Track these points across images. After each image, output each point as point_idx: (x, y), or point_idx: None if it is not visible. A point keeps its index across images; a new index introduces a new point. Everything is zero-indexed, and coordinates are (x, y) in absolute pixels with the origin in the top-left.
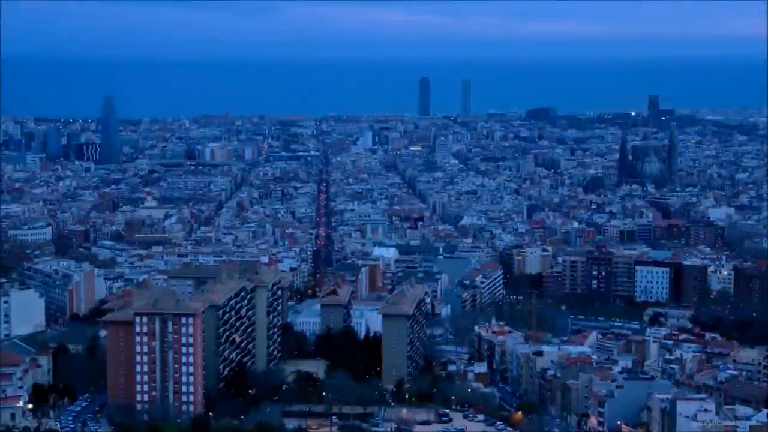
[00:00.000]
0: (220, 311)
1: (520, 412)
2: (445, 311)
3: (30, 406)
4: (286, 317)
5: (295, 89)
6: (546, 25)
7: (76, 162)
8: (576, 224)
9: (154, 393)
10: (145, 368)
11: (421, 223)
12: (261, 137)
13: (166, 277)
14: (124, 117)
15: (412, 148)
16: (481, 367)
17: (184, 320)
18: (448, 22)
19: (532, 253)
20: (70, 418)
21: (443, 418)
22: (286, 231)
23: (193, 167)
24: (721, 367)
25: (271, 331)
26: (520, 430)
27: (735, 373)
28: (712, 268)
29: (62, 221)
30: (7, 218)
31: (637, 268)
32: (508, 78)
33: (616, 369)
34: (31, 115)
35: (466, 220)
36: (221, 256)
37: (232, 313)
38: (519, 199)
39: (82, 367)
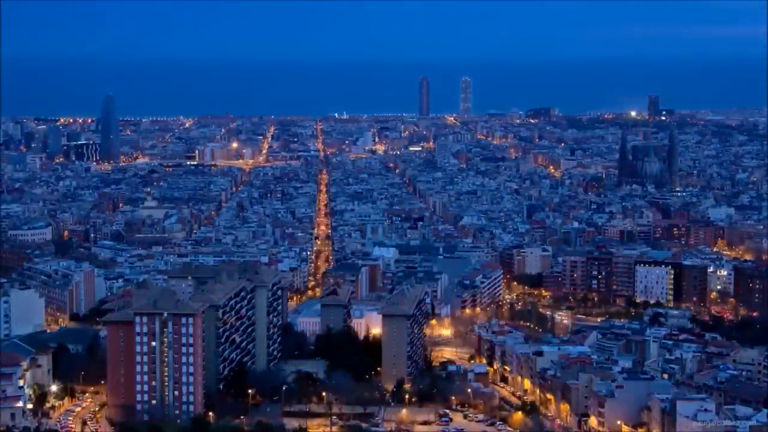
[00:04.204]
0: (220, 311)
1: (520, 412)
2: (445, 311)
3: (30, 406)
4: (286, 317)
5: (295, 89)
6: (546, 24)
7: (76, 162)
8: (576, 224)
9: (154, 393)
10: (145, 368)
11: (421, 223)
12: (261, 137)
13: (166, 277)
14: (124, 117)
15: (412, 148)
16: (481, 367)
17: (184, 320)
18: (448, 22)
19: (532, 253)
20: (70, 418)
21: (443, 418)
22: (286, 231)
23: (193, 167)
24: (721, 367)
25: (271, 331)
26: (520, 430)
27: (735, 373)
28: (712, 268)
29: (62, 221)
30: (7, 218)
31: (637, 268)
32: (508, 78)
33: (616, 369)
34: (31, 115)
35: (466, 220)
36: (221, 256)
37: (232, 313)
38: (519, 199)
39: (82, 367)
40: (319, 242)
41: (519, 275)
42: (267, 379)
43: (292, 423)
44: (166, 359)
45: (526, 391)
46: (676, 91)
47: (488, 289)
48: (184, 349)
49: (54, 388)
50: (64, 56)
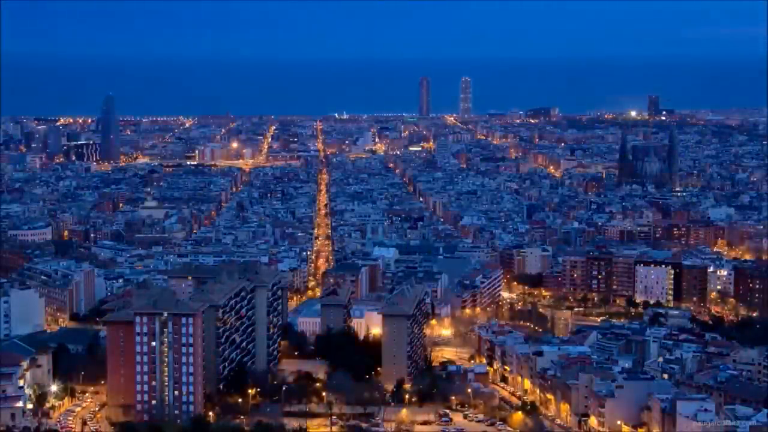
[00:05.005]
0: (220, 311)
1: (520, 412)
2: (445, 311)
3: (30, 406)
4: (286, 317)
5: (295, 89)
6: (546, 24)
7: (76, 162)
8: (576, 224)
9: (154, 393)
10: (145, 368)
11: (421, 223)
12: (261, 137)
13: (166, 277)
14: (124, 117)
15: (412, 148)
16: (481, 367)
17: (184, 320)
18: (448, 22)
19: (532, 253)
20: (70, 418)
21: (443, 418)
22: (286, 231)
23: (193, 167)
24: (721, 367)
25: (271, 331)
26: (520, 430)
27: (735, 373)
28: (712, 268)
29: (62, 221)
30: (7, 218)
31: (637, 268)
32: (508, 78)
33: (616, 369)
34: (31, 115)
35: (466, 220)
36: (221, 256)
37: (232, 313)
38: (519, 199)
39: (82, 367)
40: (319, 242)
41: (519, 275)
42: (267, 379)
43: (292, 423)
44: (166, 359)
45: (526, 391)
46: (676, 91)
47: (488, 289)
48: (184, 349)
49: (54, 388)
50: (64, 56)
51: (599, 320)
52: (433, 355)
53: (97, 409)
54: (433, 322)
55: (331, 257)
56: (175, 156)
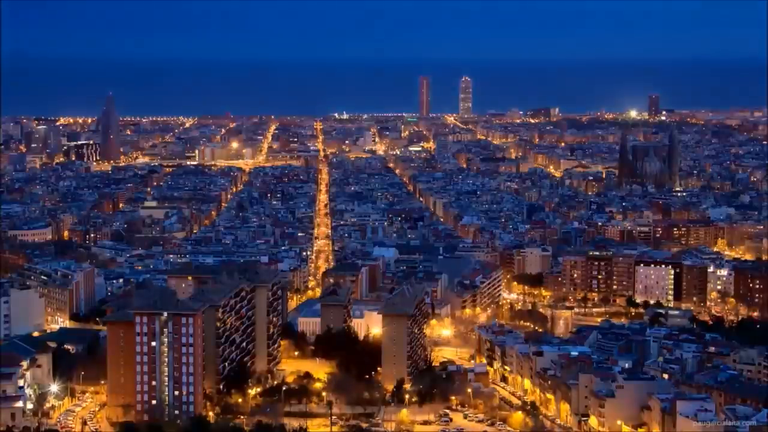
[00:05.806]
0: (220, 311)
1: (520, 412)
2: (445, 311)
3: (30, 406)
4: (286, 317)
5: (295, 89)
6: (546, 25)
7: (76, 162)
8: (576, 224)
9: (154, 393)
10: (145, 368)
11: (421, 223)
12: (261, 137)
13: (166, 277)
14: (124, 117)
15: (412, 148)
16: (481, 367)
17: (184, 320)
18: (449, 22)
19: (532, 253)
20: (70, 418)
21: (443, 418)
22: (286, 231)
23: (193, 167)
24: (721, 367)
25: (271, 331)
26: (520, 430)
27: (735, 373)
28: (712, 268)
29: (62, 221)
30: (7, 218)
31: (637, 268)
32: (508, 78)
33: (616, 369)
34: (31, 115)
35: (466, 220)
36: (221, 256)
37: (232, 313)
38: (519, 199)
39: (82, 367)
40: (319, 242)
41: (519, 275)
42: (267, 379)
43: (292, 423)
44: (166, 359)
45: (526, 391)
46: (676, 91)
47: (488, 289)
48: (184, 349)
49: (54, 388)
50: (64, 56)
51: (599, 320)
52: (433, 355)
53: (97, 409)
54: (433, 322)
55: (331, 257)
56: (175, 156)
